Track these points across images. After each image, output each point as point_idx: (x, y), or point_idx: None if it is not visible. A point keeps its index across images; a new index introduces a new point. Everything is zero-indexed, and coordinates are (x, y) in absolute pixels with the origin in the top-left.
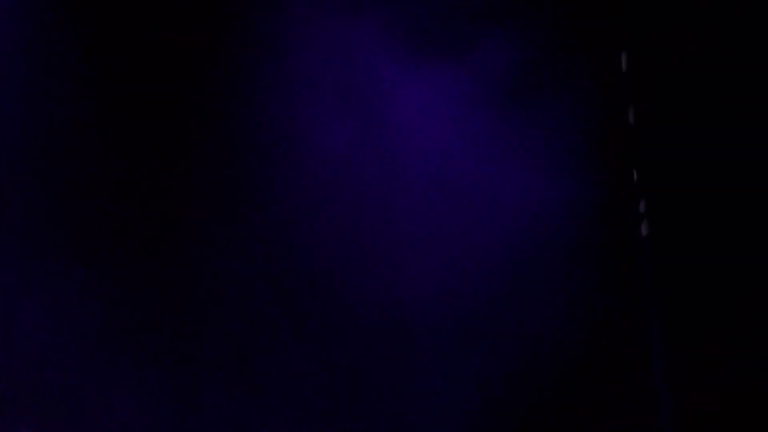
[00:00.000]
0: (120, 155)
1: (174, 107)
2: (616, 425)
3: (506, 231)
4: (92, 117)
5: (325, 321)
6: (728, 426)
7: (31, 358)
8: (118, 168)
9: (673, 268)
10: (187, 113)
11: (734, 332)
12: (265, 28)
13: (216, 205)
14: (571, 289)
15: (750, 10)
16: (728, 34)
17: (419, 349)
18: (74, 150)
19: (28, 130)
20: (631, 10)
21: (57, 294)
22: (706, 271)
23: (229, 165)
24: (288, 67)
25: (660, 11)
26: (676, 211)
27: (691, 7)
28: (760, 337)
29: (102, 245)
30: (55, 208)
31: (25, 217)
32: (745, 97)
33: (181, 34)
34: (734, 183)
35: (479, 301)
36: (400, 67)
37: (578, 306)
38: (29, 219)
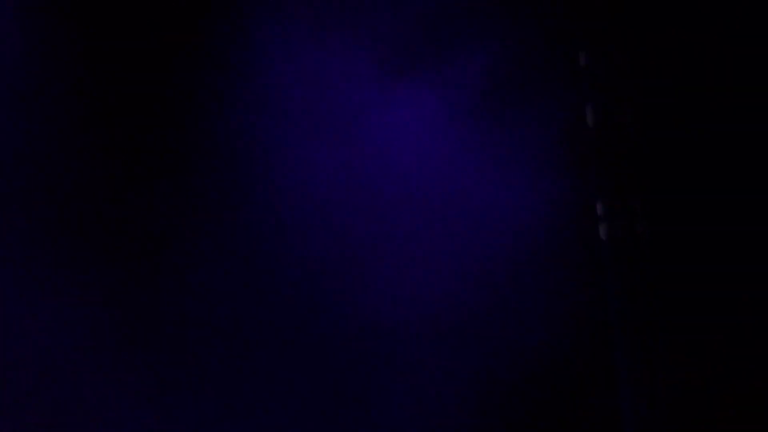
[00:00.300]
0: (99, 169)
1: (150, 129)
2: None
3: (486, 240)
4: (80, 129)
5: (307, 333)
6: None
7: (28, 361)
8: (105, 177)
9: (641, 267)
10: (166, 135)
11: (723, 337)
12: (239, 50)
13: (202, 219)
14: (551, 294)
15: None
16: (692, 32)
17: (399, 361)
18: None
19: (23, 135)
20: (596, 13)
21: (53, 297)
22: (687, 274)
23: (208, 186)
24: (260, 87)
25: (627, 10)
26: (658, 213)
27: (655, 6)
28: (743, 341)
29: (98, 251)
30: (55, 211)
31: (24, 219)
32: (719, 95)
33: (155, 59)
34: (713, 182)
35: (458, 312)
36: (373, 83)
37: (559, 312)
38: (27, 221)
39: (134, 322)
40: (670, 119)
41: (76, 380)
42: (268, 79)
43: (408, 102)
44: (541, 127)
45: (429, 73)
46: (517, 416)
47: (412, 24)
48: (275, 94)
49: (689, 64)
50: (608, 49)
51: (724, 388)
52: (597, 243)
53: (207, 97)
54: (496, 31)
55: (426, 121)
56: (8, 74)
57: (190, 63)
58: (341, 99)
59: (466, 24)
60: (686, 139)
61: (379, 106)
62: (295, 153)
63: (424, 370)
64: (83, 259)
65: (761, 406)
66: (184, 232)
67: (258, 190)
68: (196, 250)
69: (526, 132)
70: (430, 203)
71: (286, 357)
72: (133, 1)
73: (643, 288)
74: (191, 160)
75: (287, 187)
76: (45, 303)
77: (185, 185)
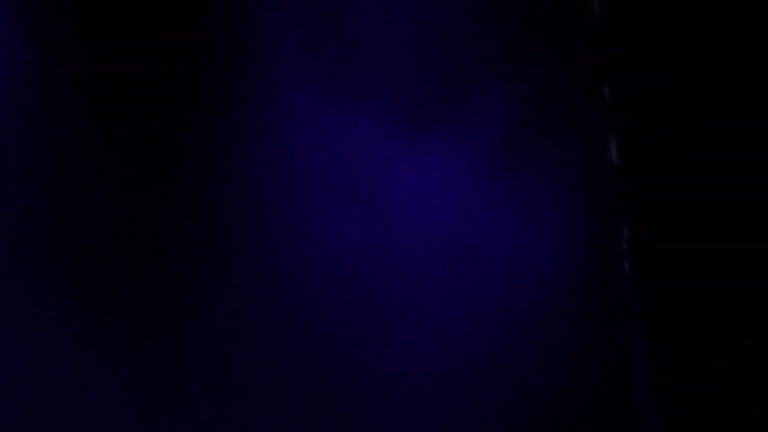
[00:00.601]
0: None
1: (169, 193)
2: None
3: (512, 288)
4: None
5: (328, 388)
6: None
7: (17, 364)
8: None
9: (662, 319)
10: (187, 195)
11: (732, 378)
12: (260, 117)
13: (224, 272)
14: (578, 342)
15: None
16: (716, 77)
17: (422, 412)
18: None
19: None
20: (617, 49)
21: (46, 299)
22: (695, 321)
23: (227, 239)
24: (280, 144)
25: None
26: (668, 264)
27: (681, 53)
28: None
29: (94, 252)
30: (47, 212)
31: (24, 222)
32: (732, 143)
33: (173, 126)
34: (727, 230)
35: (486, 362)
36: (393, 142)
37: (587, 359)
38: (27, 225)
39: (133, 327)
40: (696, 157)
41: (71, 383)
42: (287, 136)
43: (430, 151)
44: (565, 169)
45: (450, 121)
46: None
47: (431, 72)
48: (295, 149)
49: (715, 99)
50: (631, 85)
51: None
52: (623, 287)
53: (227, 156)
54: (515, 73)
55: (448, 170)
56: (12, 76)
57: (209, 124)
58: (361, 152)
59: (484, 67)
60: (716, 174)
61: (400, 155)
62: (314, 204)
63: (447, 423)
64: (77, 263)
65: None
66: (205, 290)
67: (281, 242)
68: (216, 306)
69: (552, 175)
70: (455, 254)
71: (304, 412)
72: (152, 57)
73: (670, 335)
74: (212, 219)
75: (309, 239)
76: (34, 306)
77: (206, 245)
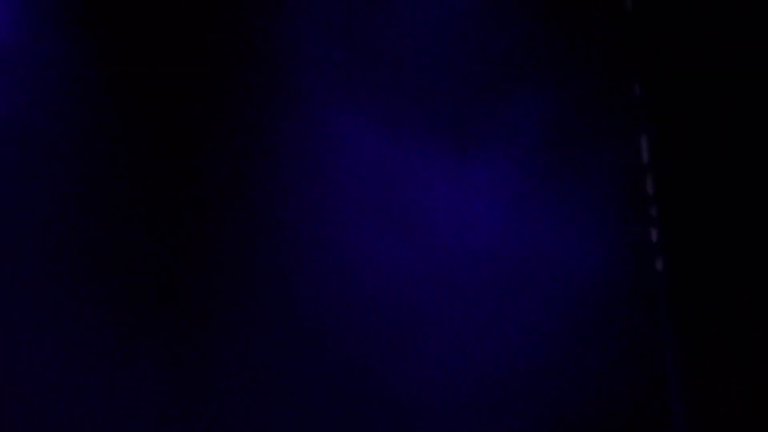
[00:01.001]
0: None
1: (212, 216)
2: None
3: (554, 294)
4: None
5: (358, 394)
6: None
7: (30, 359)
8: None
9: (694, 322)
10: (232, 220)
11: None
12: (303, 137)
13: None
14: (604, 349)
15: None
16: (749, 75)
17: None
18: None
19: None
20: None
21: (57, 295)
22: (728, 323)
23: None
24: (323, 169)
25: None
26: (701, 263)
27: (713, 51)
28: None
29: (107, 251)
30: (56, 210)
31: (25, 219)
32: (765, 142)
33: (210, 145)
34: (759, 229)
35: (534, 369)
36: (433, 157)
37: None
38: (29, 221)
39: (141, 322)
40: (728, 155)
41: (76, 381)
42: (328, 156)
43: (471, 164)
44: (600, 170)
45: (489, 132)
46: None
47: (467, 85)
48: (336, 169)
49: (748, 97)
50: (663, 82)
51: None
52: (655, 286)
53: (268, 177)
54: (548, 77)
55: (489, 181)
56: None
57: (249, 144)
58: (401, 168)
59: (517, 73)
60: (748, 173)
61: (440, 169)
62: (355, 222)
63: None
64: (89, 259)
65: None
66: (242, 308)
67: (323, 261)
68: (252, 323)
69: (587, 177)
70: (499, 262)
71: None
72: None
73: (703, 333)
74: (250, 237)
75: (352, 257)
76: (46, 304)
77: (243, 262)
